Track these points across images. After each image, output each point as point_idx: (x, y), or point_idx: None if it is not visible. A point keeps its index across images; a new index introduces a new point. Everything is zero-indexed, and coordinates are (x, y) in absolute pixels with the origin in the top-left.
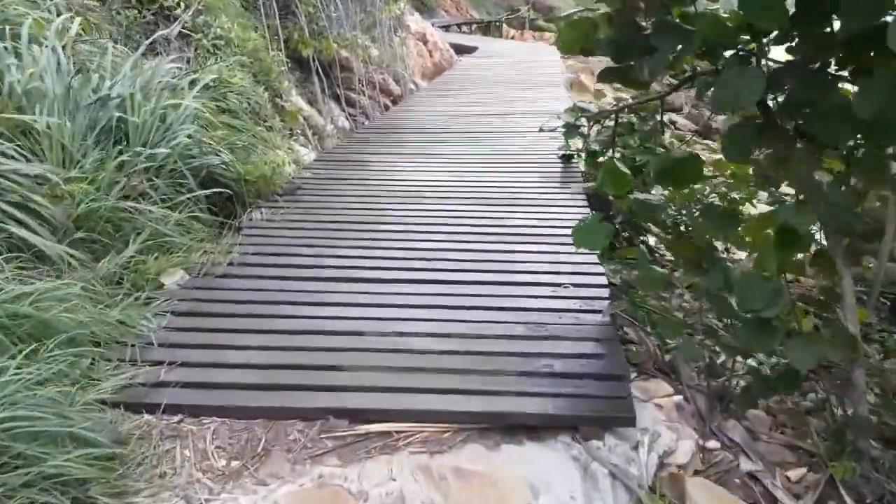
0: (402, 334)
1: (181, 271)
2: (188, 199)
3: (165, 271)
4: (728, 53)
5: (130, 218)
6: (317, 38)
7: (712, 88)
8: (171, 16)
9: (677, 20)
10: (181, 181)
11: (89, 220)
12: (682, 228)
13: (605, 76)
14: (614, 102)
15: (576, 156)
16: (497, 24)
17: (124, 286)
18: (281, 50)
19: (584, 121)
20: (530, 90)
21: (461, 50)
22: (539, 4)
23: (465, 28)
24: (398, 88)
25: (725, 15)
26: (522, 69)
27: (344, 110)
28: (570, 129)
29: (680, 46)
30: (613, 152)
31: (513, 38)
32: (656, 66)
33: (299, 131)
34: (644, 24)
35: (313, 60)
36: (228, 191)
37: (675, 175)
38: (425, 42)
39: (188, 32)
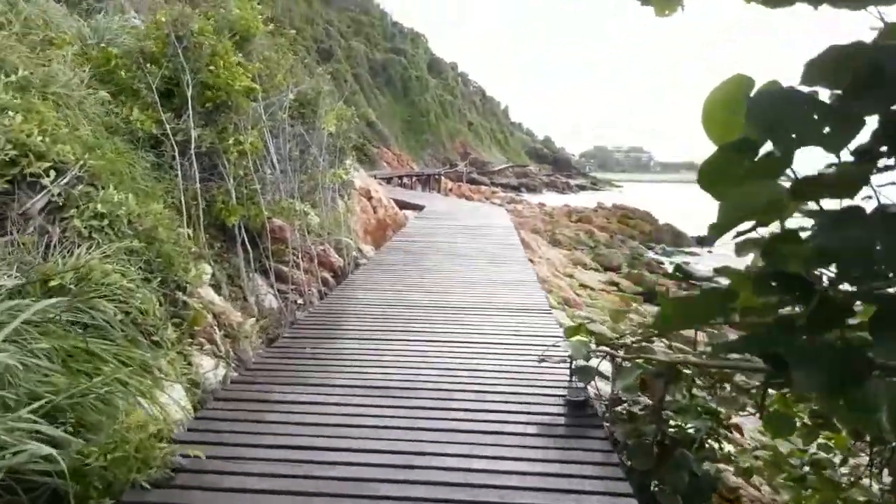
0: None
1: None
2: None
3: None
4: None
5: None
6: (245, 204)
7: None
8: (38, 184)
9: None
10: None
11: None
12: None
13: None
14: (636, 327)
15: (592, 401)
16: (436, 177)
17: None
18: (199, 216)
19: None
20: (494, 267)
21: (405, 206)
22: (474, 160)
23: (405, 179)
24: (340, 259)
25: None
26: (478, 236)
27: (273, 286)
28: (584, 372)
29: None
30: (662, 422)
31: (451, 190)
32: None
33: (205, 338)
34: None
35: (240, 229)
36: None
37: None
38: (370, 198)
39: (61, 206)
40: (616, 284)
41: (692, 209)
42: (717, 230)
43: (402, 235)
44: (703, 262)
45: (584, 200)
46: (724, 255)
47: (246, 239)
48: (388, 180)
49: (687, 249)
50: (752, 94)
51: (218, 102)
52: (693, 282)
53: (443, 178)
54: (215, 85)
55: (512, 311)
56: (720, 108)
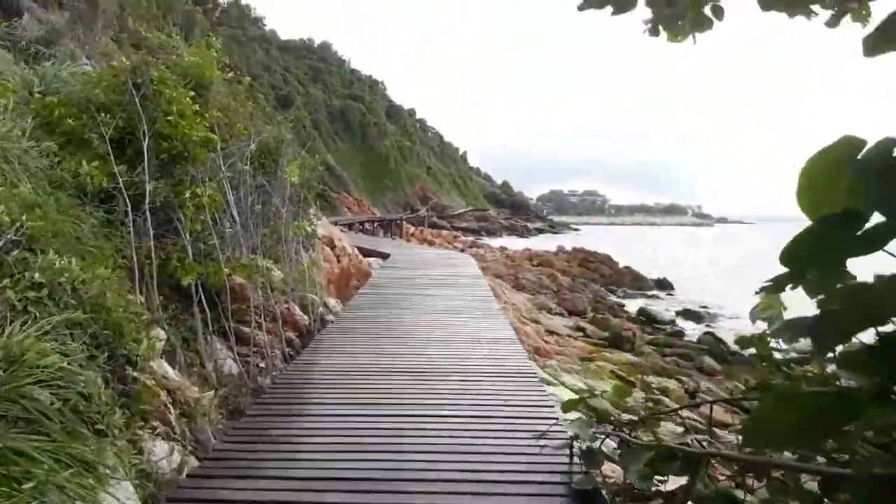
0: None
1: None
2: None
3: None
4: None
5: None
6: (203, 261)
7: None
8: None
9: None
10: None
11: None
12: None
13: None
14: (644, 397)
15: (601, 488)
16: (397, 222)
17: None
18: (153, 275)
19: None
20: (471, 323)
21: (370, 254)
22: (435, 204)
23: (367, 225)
24: (305, 317)
25: None
26: (449, 287)
27: (233, 350)
28: (591, 457)
29: None
30: None
31: (412, 234)
32: None
33: (158, 419)
34: None
35: (197, 288)
36: None
37: None
38: (332, 247)
39: None
40: (583, 330)
41: (647, 251)
42: (833, 337)
43: (369, 287)
44: (662, 305)
45: (544, 243)
46: (686, 301)
47: (203, 298)
48: (350, 226)
49: (649, 292)
50: (861, 155)
51: (174, 153)
52: (657, 325)
53: (404, 222)
54: (172, 135)
55: (496, 375)
56: (821, 176)
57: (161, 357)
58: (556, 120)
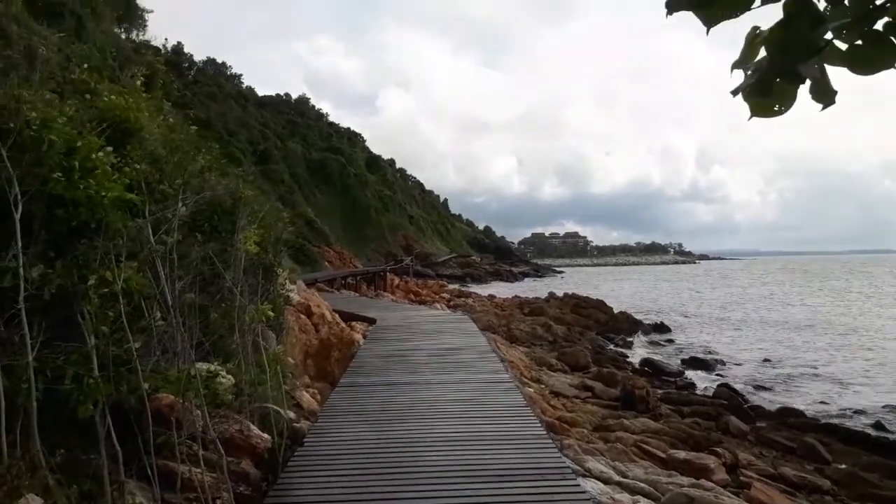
0: None
1: None
2: None
3: None
4: None
5: None
6: (115, 377)
7: None
8: None
9: None
10: None
11: None
12: None
13: None
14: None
15: None
16: (381, 273)
17: None
18: (33, 407)
19: None
20: (494, 436)
21: (350, 318)
22: (419, 253)
23: (349, 279)
24: (266, 437)
25: None
26: (452, 368)
27: (158, 500)
28: None
29: None
30: None
31: (397, 286)
32: None
33: None
34: None
35: (104, 415)
36: None
37: None
38: (310, 315)
39: None
40: (591, 389)
41: (635, 292)
42: None
43: (353, 374)
44: (665, 352)
45: (533, 289)
46: (686, 345)
47: (112, 430)
48: (332, 282)
49: (646, 338)
50: None
51: (75, 224)
52: (665, 377)
53: (388, 274)
54: (74, 199)
55: None
56: None
57: None
58: (535, 162)
